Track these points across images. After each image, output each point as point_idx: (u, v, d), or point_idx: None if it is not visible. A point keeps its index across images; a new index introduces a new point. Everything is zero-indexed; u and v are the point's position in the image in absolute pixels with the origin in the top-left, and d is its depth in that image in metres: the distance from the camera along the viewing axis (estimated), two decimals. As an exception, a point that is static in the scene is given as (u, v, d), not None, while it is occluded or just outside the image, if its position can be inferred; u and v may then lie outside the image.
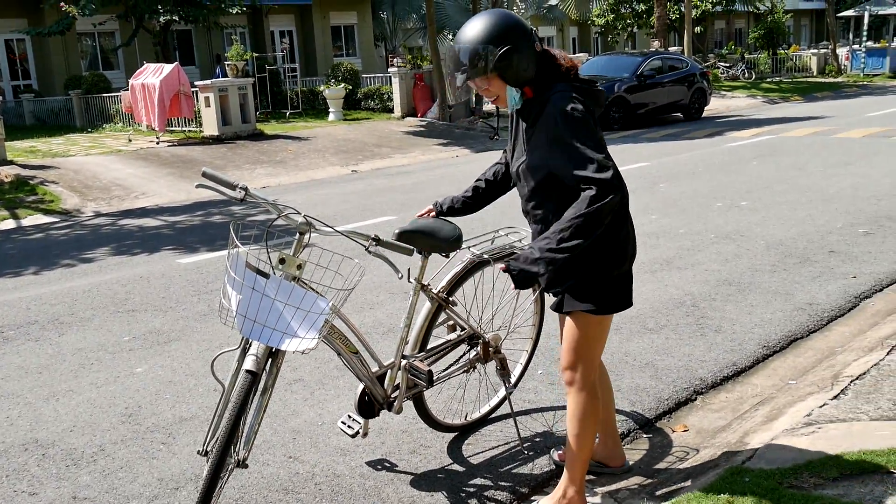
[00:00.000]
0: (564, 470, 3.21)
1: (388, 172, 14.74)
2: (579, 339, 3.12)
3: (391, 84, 22.94)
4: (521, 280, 2.87)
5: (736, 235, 7.73)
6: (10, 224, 11.35)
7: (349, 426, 3.48)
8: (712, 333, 5.21)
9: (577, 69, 3.04)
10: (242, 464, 2.92)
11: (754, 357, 4.85)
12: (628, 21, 35.71)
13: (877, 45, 37.59)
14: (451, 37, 36.56)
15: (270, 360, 2.96)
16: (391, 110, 22.92)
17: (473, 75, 2.94)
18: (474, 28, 2.92)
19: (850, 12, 37.88)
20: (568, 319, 3.15)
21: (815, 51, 39.12)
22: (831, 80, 34.27)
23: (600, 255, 2.99)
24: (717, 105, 24.31)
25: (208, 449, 2.97)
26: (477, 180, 3.58)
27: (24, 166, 14.85)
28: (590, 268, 3.01)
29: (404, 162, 16.13)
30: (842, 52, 38.35)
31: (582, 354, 3.14)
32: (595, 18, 35.94)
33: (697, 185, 10.69)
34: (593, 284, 3.04)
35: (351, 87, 23.60)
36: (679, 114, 21.30)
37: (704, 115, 21.86)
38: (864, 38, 35.95)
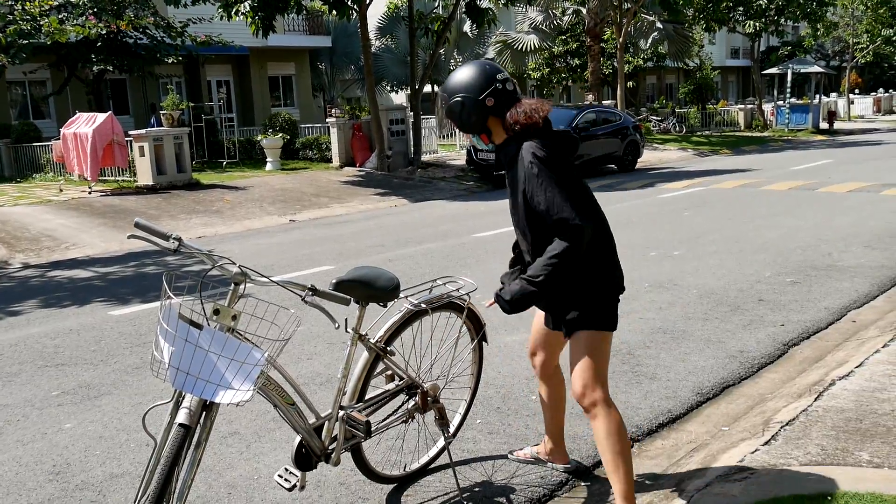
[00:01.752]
0: (614, 492, 3.38)
1: (326, 222, 14.71)
2: (593, 358, 3.38)
3: (329, 134, 23.00)
4: (507, 307, 3.36)
5: (669, 284, 7.88)
6: (-67, 275, 10.98)
7: (286, 479, 3.42)
8: (647, 381, 5.28)
9: (535, 124, 3.30)
10: (175, 521, 2.85)
11: (688, 404, 4.92)
12: (563, 75, 36.51)
13: (800, 102, 39.09)
14: (388, 88, 36.94)
15: (204, 412, 2.91)
16: (329, 160, 22.95)
17: (440, 116, 3.42)
18: (450, 77, 3.40)
19: (774, 70, 39.31)
20: (577, 345, 3.40)
21: (743, 106, 40.51)
22: (758, 134, 35.44)
23: (604, 278, 3.37)
24: (649, 157, 24.91)
25: (139, 506, 2.89)
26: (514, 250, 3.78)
27: (-51, 216, 14.44)
28: (599, 290, 3.37)
29: (343, 211, 16.12)
30: (767, 107, 39.74)
31: (598, 372, 3.39)
32: (531, 72, 36.68)
33: (632, 235, 10.90)
34: (602, 305, 3.38)
35: (289, 137, 23.59)
36: (613, 165, 21.74)
37: (638, 166, 22.36)
38: (788, 95, 37.33)
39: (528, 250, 3.46)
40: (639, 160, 22.50)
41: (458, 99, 3.30)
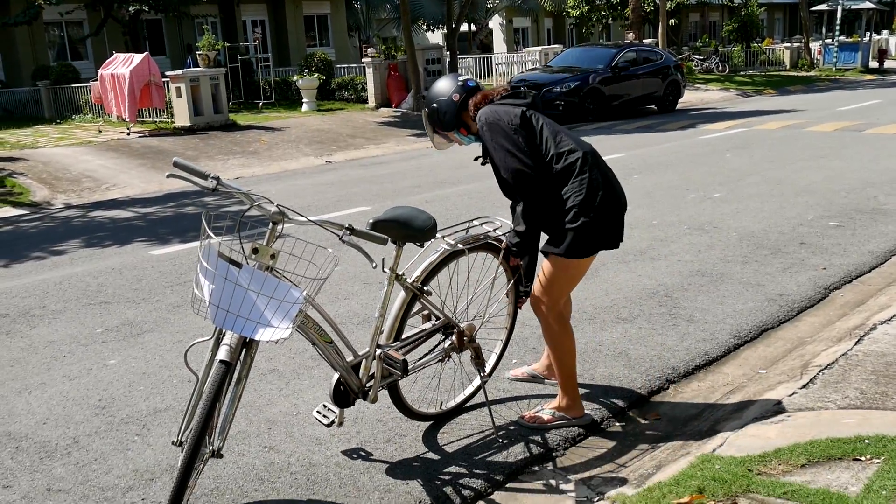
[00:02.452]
0: (559, 384, 3.93)
1: (362, 163, 14.71)
2: (550, 278, 3.80)
3: (365, 74, 22.86)
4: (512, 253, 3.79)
5: (709, 227, 7.80)
6: (-21, 215, 11.21)
7: (324, 416, 3.48)
8: (685, 323, 5.26)
9: (490, 97, 3.82)
10: (217, 454, 2.92)
11: (726, 347, 4.90)
12: (603, 13, 35.82)
13: (849, 40, 37.95)
14: (425, 27, 36.51)
15: (244, 349, 2.95)
16: (365, 101, 22.85)
17: (429, 131, 3.98)
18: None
19: (823, 6, 38.17)
20: (545, 261, 3.78)
21: (789, 44, 39.46)
22: (804, 73, 34.58)
23: (561, 212, 3.67)
24: (690, 97, 24.47)
25: (183, 440, 2.96)
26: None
27: (-8, 157, 14.66)
28: (556, 223, 3.69)
29: (378, 153, 16.09)
30: (814, 46, 38.68)
31: (550, 290, 3.81)
32: (570, 10, 35.99)
33: (671, 177, 10.77)
34: (560, 235, 3.69)
35: (324, 78, 23.49)
36: (653, 106, 21.39)
37: (678, 107, 21.98)
38: (837, 33, 36.28)
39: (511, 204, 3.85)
40: (680, 101, 22.11)
41: (434, 105, 3.84)
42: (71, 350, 5.28)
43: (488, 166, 3.84)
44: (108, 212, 10.98)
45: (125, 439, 3.95)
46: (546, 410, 3.95)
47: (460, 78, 3.91)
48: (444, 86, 3.87)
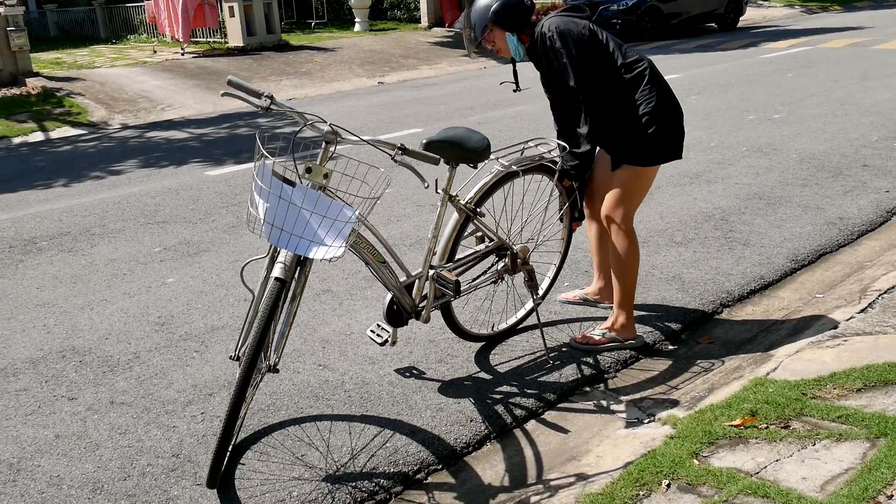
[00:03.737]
0: (615, 302, 3.91)
1: (414, 84, 14.57)
2: (621, 189, 3.74)
3: (418, -7, 22.51)
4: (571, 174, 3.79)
5: (768, 149, 7.60)
6: (38, 136, 11.41)
7: (378, 335, 3.53)
8: (740, 247, 5.18)
9: (553, 7, 3.75)
10: (273, 369, 2.98)
11: (782, 271, 4.82)
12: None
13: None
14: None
15: (298, 268, 2.99)
16: (418, 20, 22.52)
17: (480, 31, 3.72)
18: None
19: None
20: (616, 174, 3.74)
21: (857, -43, 37.69)
22: (872, -12, 33.09)
23: (634, 120, 3.63)
24: (752, 15, 23.63)
25: (240, 354, 3.03)
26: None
27: (50, 78, 14.84)
28: (629, 132, 3.64)
29: (431, 74, 15.92)
30: (885, -42, 36.90)
31: (625, 202, 3.75)
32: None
33: (730, 98, 10.49)
34: (634, 143, 3.66)
35: (377, -3, 23.19)
36: (713, 24, 20.75)
37: (740, 25, 21.28)
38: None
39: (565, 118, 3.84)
40: (741, 18, 21.41)
41: (504, 1, 3.63)
42: (130, 268, 5.41)
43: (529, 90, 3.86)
44: (164, 132, 11.09)
45: (184, 355, 4.06)
46: (598, 331, 3.95)
47: None
48: None
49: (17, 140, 11.10)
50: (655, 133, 3.62)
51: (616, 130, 3.67)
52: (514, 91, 3.94)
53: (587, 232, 4.20)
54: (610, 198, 3.78)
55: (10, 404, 3.64)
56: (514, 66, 3.94)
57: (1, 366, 4.04)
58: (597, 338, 3.92)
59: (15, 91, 13.80)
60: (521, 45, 3.71)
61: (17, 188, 7.98)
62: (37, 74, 14.96)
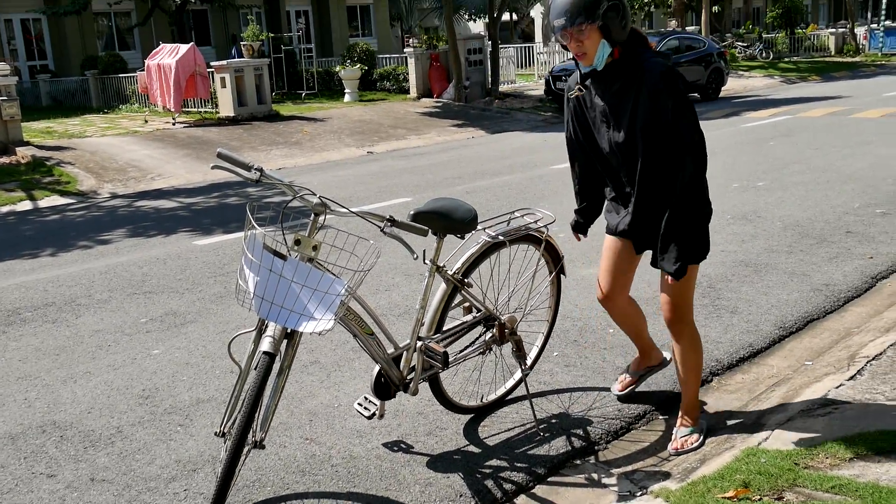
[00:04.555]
0: (687, 399, 3.68)
1: (403, 154, 14.71)
2: (687, 290, 3.49)
3: (407, 65, 22.87)
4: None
5: (753, 216, 7.68)
6: (26, 205, 11.42)
7: (365, 408, 3.49)
8: (728, 315, 5.19)
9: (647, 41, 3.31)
10: (260, 445, 2.94)
11: (770, 338, 4.82)
12: (646, 1, 35.40)
13: (895, 24, 37.12)
14: (467, 17, 36.37)
15: (287, 341, 2.97)
16: (407, 91, 22.85)
17: (582, 21, 3.05)
18: None
19: (869, -10, 37.42)
20: (669, 278, 3.38)
21: (833, 30, 38.70)
22: (849, 59, 33.90)
23: (704, 208, 3.38)
24: (734, 85, 24.10)
25: (225, 431, 2.99)
26: (579, 192, 3.79)
27: (40, 147, 14.93)
28: (701, 222, 3.38)
29: (420, 143, 16.09)
30: (860, 31, 37.92)
31: (690, 301, 3.57)
32: (611, -3, 35.65)
33: (714, 166, 10.58)
34: (702, 236, 3.40)
35: (366, 68, 23.54)
36: (696, 94, 21.13)
37: (722, 95, 21.69)
38: (883, 17, 35.51)
39: (631, 180, 3.39)
40: (723, 88, 21.83)
41: (616, 2, 3.07)
42: (116, 339, 5.36)
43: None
44: (153, 202, 11.12)
45: (168, 429, 4.00)
46: (680, 432, 3.65)
47: None
48: None
49: (4, 209, 11.11)
50: (706, 219, 3.42)
51: (680, 218, 3.28)
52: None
53: (608, 312, 3.92)
54: (671, 306, 3.51)
55: (-10, 481, 3.57)
56: (581, 78, 3.40)
57: (-18, 441, 3.97)
58: (685, 439, 3.62)
59: (5, 160, 13.85)
60: (608, 56, 3.21)
61: (3, 258, 7.95)
62: (27, 143, 15.05)
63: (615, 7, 3.04)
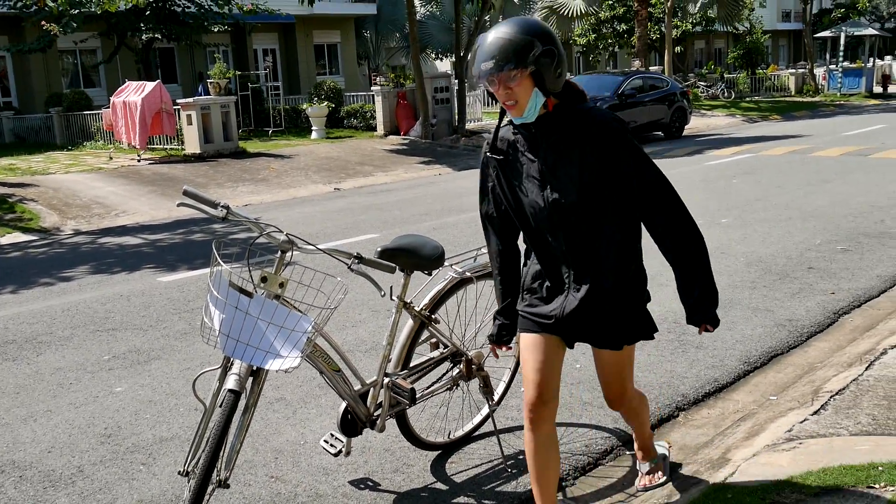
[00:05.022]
0: (642, 439, 3.54)
1: (370, 190, 14.74)
2: (628, 365, 3.18)
3: (374, 102, 22.98)
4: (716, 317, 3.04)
5: (716, 252, 7.77)
6: (-12, 242, 11.25)
7: (332, 445, 3.47)
8: (693, 350, 5.23)
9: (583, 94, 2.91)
10: (224, 484, 2.90)
11: (735, 373, 4.87)
12: (609, 41, 35.98)
13: (853, 66, 38.07)
14: (433, 55, 36.72)
15: (253, 378, 2.95)
16: (374, 128, 22.94)
17: (511, 66, 2.66)
18: (520, 23, 2.72)
19: (826, 33, 38.35)
20: (609, 355, 3.06)
21: (794, 70, 39.59)
22: (809, 99, 34.66)
23: (644, 277, 3.07)
24: (697, 124, 24.51)
25: (189, 469, 2.95)
26: (503, 281, 3.16)
27: (2, 184, 14.75)
28: (644, 292, 3.06)
29: (387, 180, 16.14)
30: (819, 71, 38.80)
31: (630, 377, 3.23)
32: (577, 38, 36.17)
33: (678, 203, 10.74)
34: (644, 308, 3.07)
35: (334, 106, 23.60)
36: (660, 132, 21.44)
37: (685, 133, 22.03)
38: (841, 59, 36.41)
39: (572, 251, 2.89)
40: (686, 127, 22.19)
41: (551, 48, 2.68)
42: (77, 377, 5.28)
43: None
44: (117, 238, 11.01)
45: (130, 468, 3.93)
46: (645, 468, 3.58)
47: None
48: (548, 29, 2.76)
49: (-35, 247, 10.93)
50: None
51: (631, 287, 2.98)
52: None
53: (534, 430, 3.01)
54: (614, 383, 3.17)
55: (-55, 524, 3.48)
56: (497, 130, 2.96)
57: (-63, 483, 3.87)
58: (651, 476, 3.56)
59: (-34, 197, 13.66)
60: (541, 107, 2.80)
61: (-36, 296, 7.81)
62: (-11, 181, 14.86)
63: (549, 53, 2.66)
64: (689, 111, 22.21)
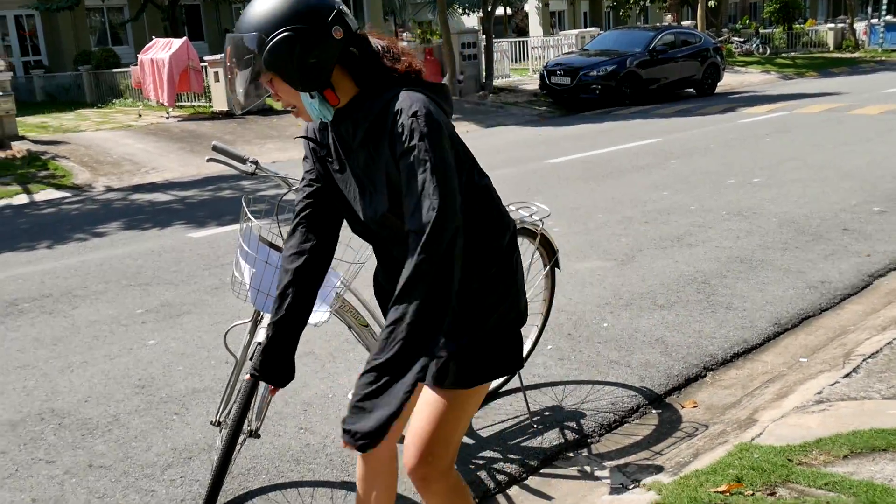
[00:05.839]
0: None
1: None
2: (453, 417, 2.23)
3: (402, 59, 22.83)
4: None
5: (748, 212, 7.69)
6: (22, 199, 11.40)
7: (360, 399, 3.49)
8: (723, 310, 5.20)
9: (418, 71, 2.18)
10: (255, 434, 2.95)
11: (765, 334, 4.84)
12: (641, -4, 35.44)
13: (896, 20, 37.18)
14: (460, 11, 36.32)
15: (282, 332, 2.96)
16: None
17: (243, 70, 2.09)
18: (252, 9, 2.07)
19: (867, -14, 37.48)
20: (432, 393, 2.23)
21: (832, 25, 38.65)
22: (848, 55, 33.87)
23: (501, 298, 2.25)
24: (730, 81, 24.12)
25: (220, 419, 3.00)
26: (284, 290, 2.36)
27: (35, 142, 14.89)
28: (489, 319, 2.23)
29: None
30: (859, 26, 37.86)
31: (450, 437, 2.24)
32: (607, -7, 35.66)
33: (709, 162, 10.64)
34: (494, 340, 2.25)
35: (361, 62, 23.46)
36: (692, 89, 21.14)
37: (718, 90, 21.70)
38: (883, 12, 35.49)
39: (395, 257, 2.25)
40: (719, 84, 21.83)
41: (287, 34, 1.98)
42: (112, 330, 5.36)
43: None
44: (148, 195, 11.10)
45: (164, 418, 4.01)
46: None
47: None
48: (303, 2, 2.01)
49: (1, 203, 11.09)
50: (517, 320, 2.31)
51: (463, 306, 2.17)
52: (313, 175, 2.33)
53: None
54: (423, 444, 2.21)
55: (-15, 471, 3.58)
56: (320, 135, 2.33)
57: (-24, 431, 3.97)
58: None
59: (0, 154, 13.82)
60: (325, 105, 2.11)
61: (0, 250, 7.95)
62: (22, 138, 15.01)
63: (287, 41, 1.97)
64: (722, 68, 21.85)
